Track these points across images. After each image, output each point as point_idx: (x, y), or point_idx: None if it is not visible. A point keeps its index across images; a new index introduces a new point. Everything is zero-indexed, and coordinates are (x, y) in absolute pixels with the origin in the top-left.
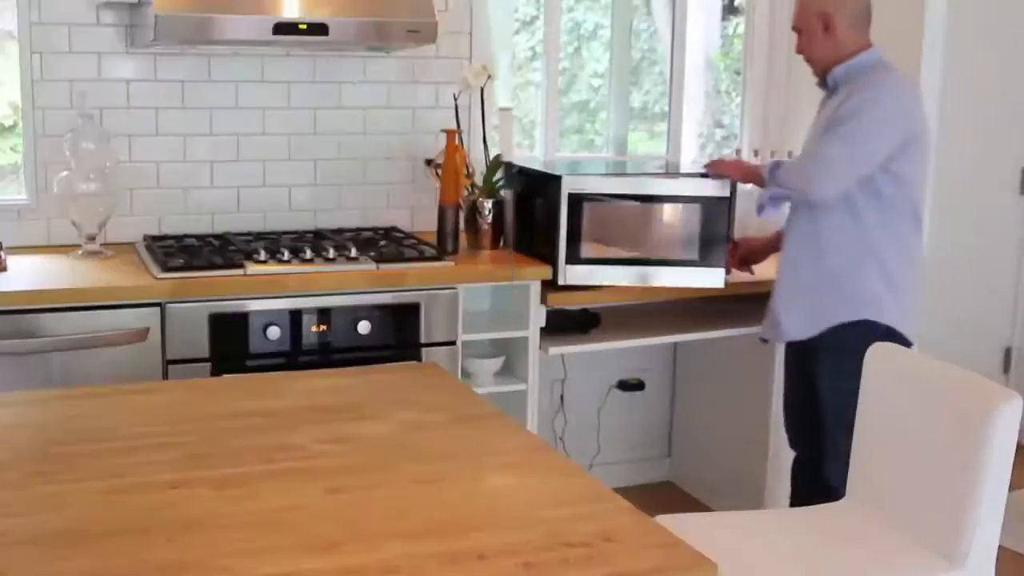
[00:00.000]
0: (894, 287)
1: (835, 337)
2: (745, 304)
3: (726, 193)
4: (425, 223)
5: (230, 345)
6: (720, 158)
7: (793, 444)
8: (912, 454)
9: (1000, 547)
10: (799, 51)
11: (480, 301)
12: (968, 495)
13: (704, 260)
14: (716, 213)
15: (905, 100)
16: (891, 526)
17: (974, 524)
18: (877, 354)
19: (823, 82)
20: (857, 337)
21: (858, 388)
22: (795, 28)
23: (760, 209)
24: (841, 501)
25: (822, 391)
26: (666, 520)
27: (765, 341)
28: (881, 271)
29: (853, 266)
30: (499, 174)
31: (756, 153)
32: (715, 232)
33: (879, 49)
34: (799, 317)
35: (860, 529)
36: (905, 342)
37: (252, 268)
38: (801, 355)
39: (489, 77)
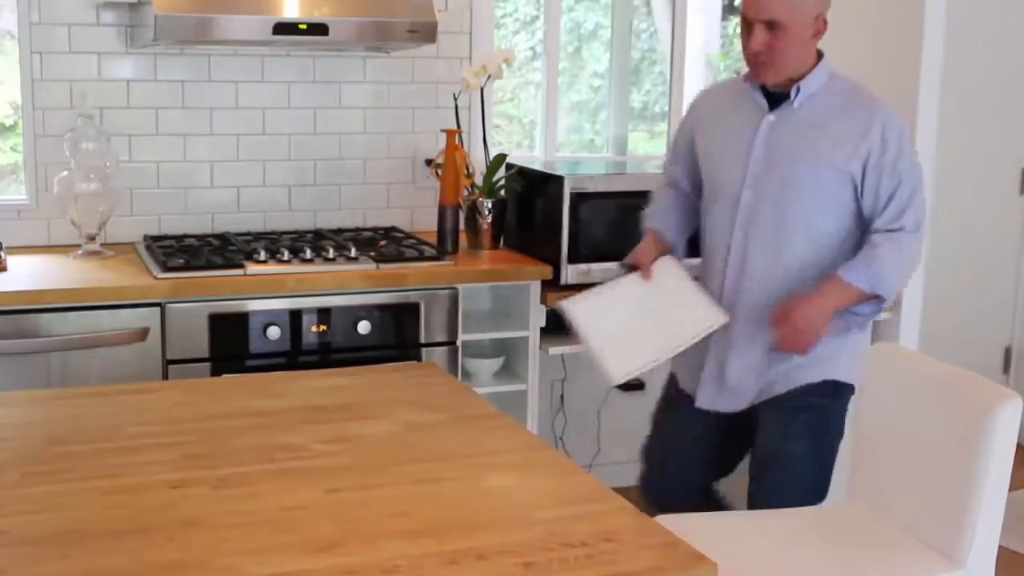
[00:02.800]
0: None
1: None
2: None
3: None
4: (425, 223)
5: (230, 345)
6: (789, 306)
7: None
8: (912, 454)
9: (1000, 547)
10: (765, 49)
11: (480, 301)
12: (968, 495)
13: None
14: None
15: None
16: (891, 526)
17: (974, 524)
18: (878, 354)
19: (767, 90)
20: None
21: None
22: (771, 22)
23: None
24: (841, 501)
25: None
26: (666, 520)
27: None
28: None
29: None
30: (499, 174)
31: None
32: None
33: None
34: None
35: (860, 529)
36: None
37: (252, 268)
38: None
39: (489, 77)
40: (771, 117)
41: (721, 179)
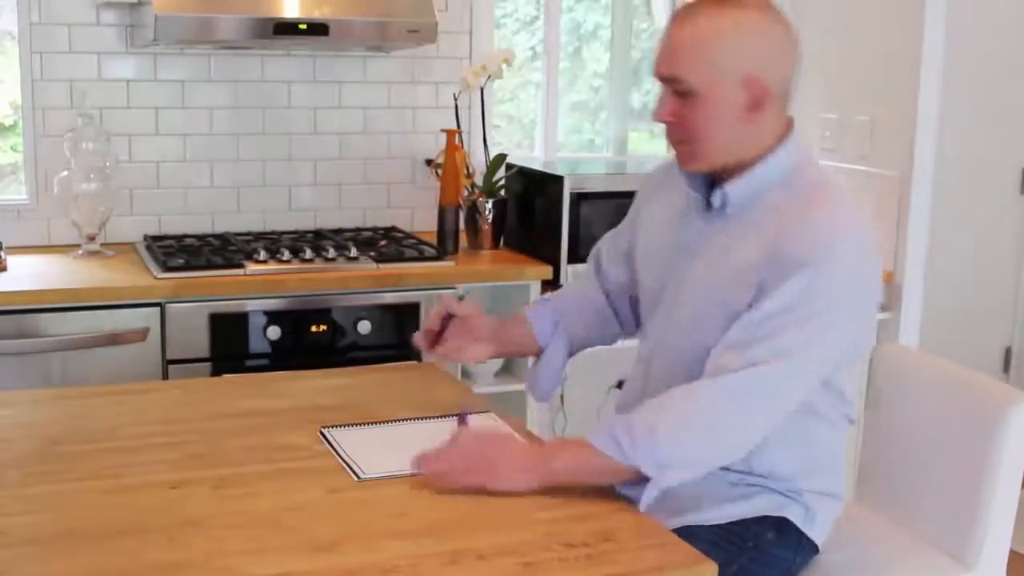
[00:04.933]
0: None
1: None
2: None
3: None
4: (425, 223)
5: (230, 345)
6: None
7: None
8: (921, 456)
9: (1011, 551)
10: (674, 121)
11: (480, 301)
12: (979, 498)
13: None
14: None
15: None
16: (901, 528)
17: (985, 527)
18: (883, 355)
19: (698, 182)
20: None
21: None
22: (677, 83)
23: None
24: (848, 503)
25: None
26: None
27: None
28: None
29: None
30: (499, 174)
31: None
32: None
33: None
34: None
35: (869, 531)
36: None
37: (252, 268)
38: None
39: (489, 77)
40: (699, 224)
41: (639, 293)
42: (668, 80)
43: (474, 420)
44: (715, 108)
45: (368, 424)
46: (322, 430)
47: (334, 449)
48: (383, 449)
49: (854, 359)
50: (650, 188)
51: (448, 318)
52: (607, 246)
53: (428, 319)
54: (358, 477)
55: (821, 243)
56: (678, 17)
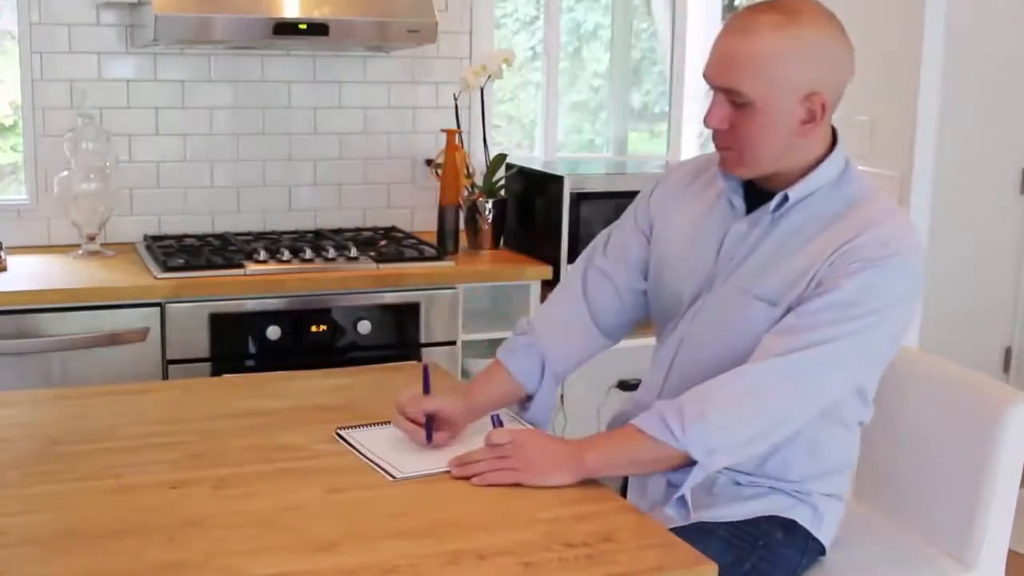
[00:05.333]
0: None
1: None
2: None
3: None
4: (425, 223)
5: (230, 345)
6: None
7: None
8: (920, 455)
9: (1010, 551)
10: (726, 129)
11: (480, 301)
12: (978, 497)
13: None
14: None
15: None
16: (899, 527)
17: (985, 526)
18: None
19: (750, 191)
20: None
21: None
22: (733, 94)
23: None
24: (849, 501)
25: None
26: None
27: None
28: None
29: None
30: (499, 174)
31: None
32: None
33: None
34: None
35: (867, 530)
36: None
37: (252, 268)
38: None
39: (489, 77)
40: (741, 226)
41: (664, 298)
42: (724, 91)
43: (508, 421)
44: (771, 120)
45: (382, 424)
46: (338, 431)
47: (356, 451)
48: (406, 448)
49: (888, 360)
50: (663, 194)
51: (430, 419)
52: (608, 252)
53: (408, 419)
54: (393, 477)
55: (884, 246)
56: (736, 27)
